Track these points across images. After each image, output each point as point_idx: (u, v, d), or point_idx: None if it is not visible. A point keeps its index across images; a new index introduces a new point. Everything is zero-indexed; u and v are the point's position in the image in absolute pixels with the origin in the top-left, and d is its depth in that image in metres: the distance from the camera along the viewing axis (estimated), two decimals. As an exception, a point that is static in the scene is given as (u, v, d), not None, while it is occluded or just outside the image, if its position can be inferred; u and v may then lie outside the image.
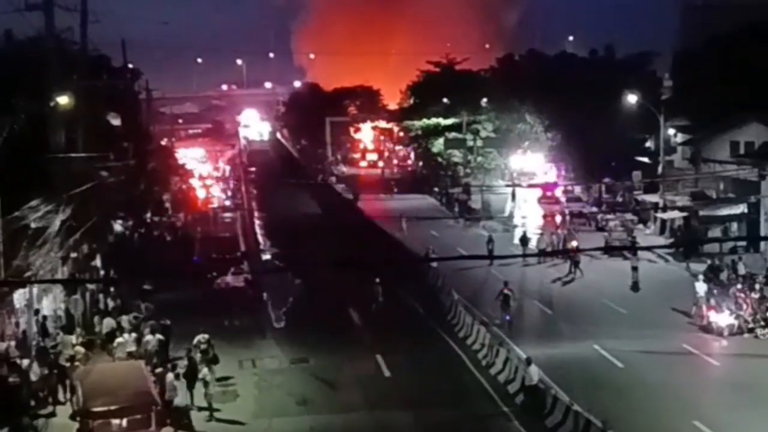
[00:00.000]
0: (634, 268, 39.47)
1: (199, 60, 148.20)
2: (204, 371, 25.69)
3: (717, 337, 31.37)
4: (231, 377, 28.16)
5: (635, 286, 38.90)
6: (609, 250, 48.27)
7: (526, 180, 68.25)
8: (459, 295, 36.00)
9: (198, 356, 27.10)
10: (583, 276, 41.19)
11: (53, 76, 32.33)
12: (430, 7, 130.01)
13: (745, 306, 32.19)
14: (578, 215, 56.77)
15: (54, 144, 32.37)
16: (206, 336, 28.46)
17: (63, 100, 32.32)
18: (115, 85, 48.39)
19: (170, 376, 24.50)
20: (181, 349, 28.57)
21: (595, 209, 57.76)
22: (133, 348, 28.61)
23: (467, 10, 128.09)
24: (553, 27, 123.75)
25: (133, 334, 29.34)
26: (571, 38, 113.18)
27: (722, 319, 31.64)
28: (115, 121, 47.83)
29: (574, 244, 44.74)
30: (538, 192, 64.09)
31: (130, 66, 58.80)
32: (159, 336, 29.04)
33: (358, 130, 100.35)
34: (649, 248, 44.37)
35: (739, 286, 33.96)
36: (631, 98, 52.63)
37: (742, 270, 37.04)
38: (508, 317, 33.14)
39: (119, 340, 29.01)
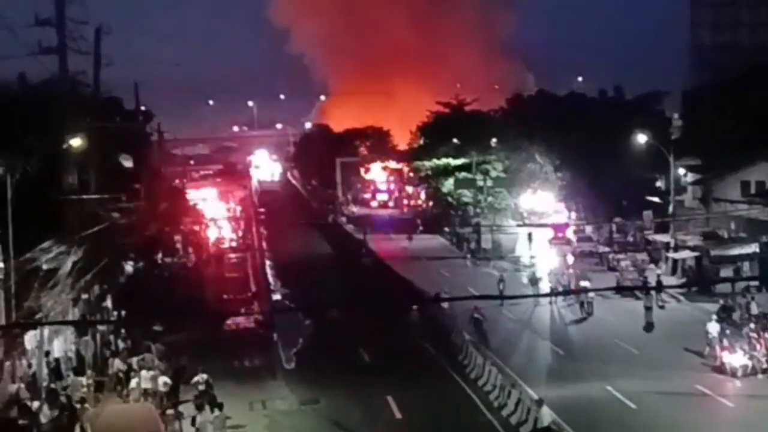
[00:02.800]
0: (648, 308, 39.28)
1: (211, 102, 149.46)
2: (199, 419, 25.18)
3: (730, 377, 31.07)
4: (236, 421, 28.00)
5: (649, 326, 38.68)
6: (620, 290, 48.01)
7: (537, 220, 68.16)
8: (470, 336, 35.84)
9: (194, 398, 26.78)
10: (592, 314, 41.03)
11: (66, 118, 32.62)
12: (439, 49, 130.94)
13: (758, 346, 31.91)
14: (589, 255, 56.63)
15: (66, 185, 32.58)
16: (204, 376, 28.18)
17: (75, 142, 32.56)
18: (128, 127, 48.69)
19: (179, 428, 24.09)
20: (191, 391, 28.45)
21: (606, 249, 57.62)
22: (147, 387, 28.47)
23: (476, 51, 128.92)
24: (562, 67, 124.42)
25: (151, 372, 29.20)
26: (580, 78, 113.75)
27: (736, 359, 31.37)
28: (127, 163, 48.08)
29: (587, 284, 44.57)
30: (549, 232, 63.98)
31: (143, 108, 59.22)
32: (166, 379, 28.92)
33: (368, 170, 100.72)
34: (661, 288, 44.16)
35: (752, 326, 33.71)
36: (641, 138, 52.71)
37: (755, 310, 36.80)
38: (477, 336, 35.59)
39: (135, 381, 28.87)
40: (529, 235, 62.21)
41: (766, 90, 51.88)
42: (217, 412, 25.30)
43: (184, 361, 30.61)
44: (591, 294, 40.85)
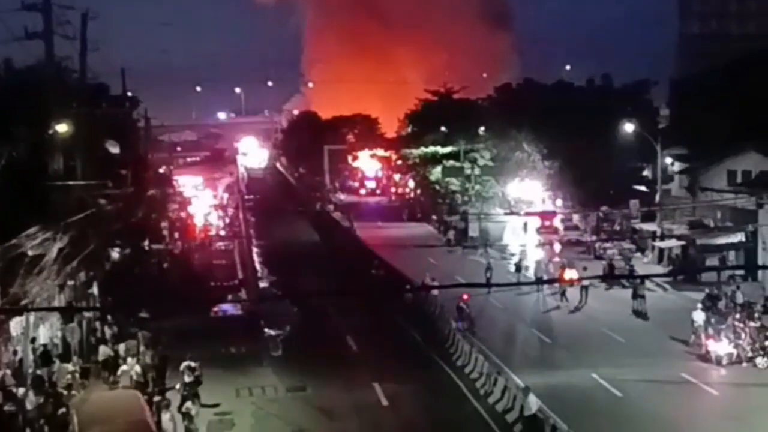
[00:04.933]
0: (642, 296, 39.41)
1: (198, 88, 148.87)
2: (187, 404, 25.26)
3: (716, 366, 31.28)
4: (222, 408, 28.00)
5: (644, 315, 38.81)
6: (607, 278, 48.21)
7: (524, 208, 68.27)
8: (457, 323, 35.91)
9: (182, 386, 26.76)
10: (570, 302, 41.16)
11: (52, 104, 32.42)
12: (427, 37, 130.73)
13: (743, 335, 32.13)
14: (576, 243, 56.78)
15: (52, 171, 32.41)
16: (193, 363, 28.08)
17: (62, 127, 32.37)
18: (114, 113, 48.47)
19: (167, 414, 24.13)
20: (177, 378, 28.41)
21: (593, 237, 57.79)
22: (133, 374, 28.43)
23: (464, 39, 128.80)
24: (550, 56, 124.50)
25: (136, 365, 29.14)
26: (568, 67, 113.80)
27: (721, 348, 31.56)
28: (114, 149, 47.85)
29: (574, 272, 44.65)
30: (536, 220, 64.11)
31: (129, 94, 58.89)
32: (155, 364, 28.90)
33: (356, 158, 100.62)
34: (647, 276, 44.30)
35: (737, 315, 33.92)
36: (628, 127, 52.84)
37: (740, 299, 37.00)
38: (461, 323, 35.82)
39: (124, 368, 28.83)
40: (525, 224, 62.28)
41: (753, 80, 52.05)
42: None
43: (162, 351, 30.51)
44: (585, 282, 41.00)
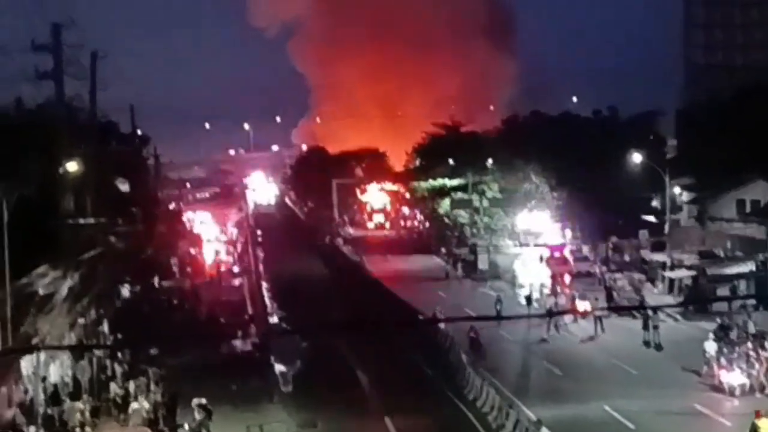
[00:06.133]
0: (655, 327, 39.22)
1: (207, 125, 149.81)
2: None
3: (729, 396, 31.03)
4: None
5: (657, 346, 38.61)
6: (619, 310, 47.98)
7: (533, 240, 68.18)
8: (467, 356, 35.78)
9: (193, 424, 26.68)
10: (604, 331, 41.00)
11: (62, 142, 32.69)
12: (434, 71, 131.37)
13: (756, 365, 31.88)
14: (586, 275, 56.61)
15: (63, 210, 32.60)
16: (203, 401, 28.01)
17: (72, 166, 32.61)
18: (124, 151, 48.84)
19: None
20: (188, 415, 28.33)
21: (603, 268, 57.62)
22: (143, 412, 28.38)
23: (471, 72, 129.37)
24: (556, 88, 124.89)
25: (146, 402, 29.11)
26: (574, 99, 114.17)
27: (734, 378, 31.33)
28: (124, 187, 48.18)
29: (587, 303, 44.54)
30: (545, 252, 63.93)
31: (139, 132, 59.37)
32: (166, 401, 28.84)
33: (364, 191, 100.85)
34: (658, 307, 44.11)
35: (749, 344, 33.68)
36: (636, 157, 52.88)
37: (752, 328, 36.80)
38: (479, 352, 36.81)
39: (134, 406, 28.78)
40: (541, 257, 61.90)
41: (759, 109, 52.17)
42: None
43: (172, 389, 30.46)
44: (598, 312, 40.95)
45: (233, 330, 42.47)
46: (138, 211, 49.46)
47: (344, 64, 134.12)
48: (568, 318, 43.32)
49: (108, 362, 34.70)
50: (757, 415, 25.64)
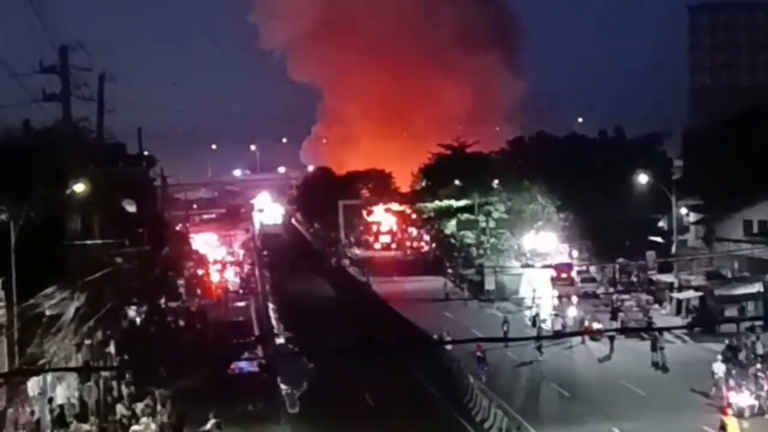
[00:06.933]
0: (661, 348, 39.10)
1: (213, 146, 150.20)
2: None
3: (738, 418, 30.84)
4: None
5: (663, 367, 38.48)
6: (626, 331, 47.81)
7: (540, 261, 68.11)
8: (475, 378, 35.66)
9: None
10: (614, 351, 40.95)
11: (70, 164, 32.76)
12: (440, 91, 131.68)
13: (765, 386, 31.72)
14: (593, 296, 56.48)
15: (70, 231, 32.63)
16: (216, 420, 27.99)
17: (79, 187, 32.67)
18: (131, 173, 48.93)
19: None
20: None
21: (610, 290, 57.47)
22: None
23: (477, 93, 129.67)
24: (562, 109, 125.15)
25: (151, 422, 29.05)
26: (580, 120, 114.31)
27: (742, 399, 31.16)
28: (131, 208, 48.21)
29: (597, 325, 44.45)
30: (552, 272, 63.83)
31: (146, 153, 59.51)
32: (172, 422, 28.78)
33: (370, 212, 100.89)
34: (666, 329, 43.98)
35: (758, 365, 33.54)
36: (642, 178, 52.83)
37: (760, 349, 36.64)
38: (485, 368, 37.27)
39: (136, 428, 28.70)
40: (552, 278, 61.61)
41: (765, 130, 52.14)
42: None
43: (179, 410, 30.40)
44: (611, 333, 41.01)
45: (240, 351, 42.39)
46: (145, 232, 49.49)
47: (350, 85, 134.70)
48: (575, 339, 43.20)
49: (114, 384, 34.66)
50: (724, 412, 26.91)
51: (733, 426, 26.88)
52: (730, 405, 27.47)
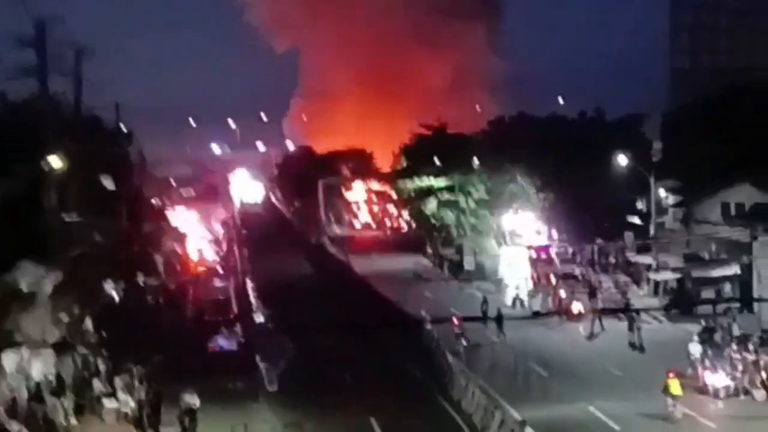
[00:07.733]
0: (638, 329, 39.37)
1: (192, 123, 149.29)
2: None
3: (713, 398, 31.15)
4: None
5: (640, 347, 38.75)
6: (604, 312, 48.03)
7: (519, 241, 68.19)
8: (454, 357, 35.76)
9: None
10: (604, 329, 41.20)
11: (47, 138, 32.44)
12: (421, 71, 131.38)
13: (740, 367, 32.01)
14: (571, 276, 56.69)
15: (47, 207, 32.35)
16: (192, 399, 27.85)
17: (56, 162, 32.36)
18: (108, 149, 48.52)
19: None
20: (172, 414, 28.21)
21: (589, 270, 57.70)
22: (127, 410, 28.24)
23: (458, 73, 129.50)
24: (542, 89, 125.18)
25: (129, 398, 28.97)
26: (561, 100, 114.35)
27: (718, 380, 31.45)
28: (108, 184, 47.86)
29: (581, 305, 44.73)
30: (531, 253, 63.92)
31: (124, 129, 59.02)
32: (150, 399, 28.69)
33: (350, 190, 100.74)
34: (643, 310, 44.24)
35: (734, 346, 33.80)
36: (622, 159, 52.95)
37: (736, 331, 36.91)
38: (465, 341, 37.83)
39: (117, 404, 28.58)
40: (531, 258, 61.62)
41: (744, 112, 52.33)
42: None
43: (157, 387, 30.31)
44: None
45: (218, 328, 42.30)
46: (123, 209, 49.17)
47: (332, 63, 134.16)
48: (554, 319, 43.44)
49: (92, 360, 34.49)
50: (668, 374, 28.80)
51: (675, 386, 28.51)
52: (673, 370, 29.22)
